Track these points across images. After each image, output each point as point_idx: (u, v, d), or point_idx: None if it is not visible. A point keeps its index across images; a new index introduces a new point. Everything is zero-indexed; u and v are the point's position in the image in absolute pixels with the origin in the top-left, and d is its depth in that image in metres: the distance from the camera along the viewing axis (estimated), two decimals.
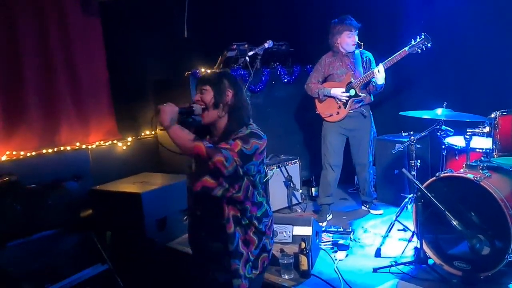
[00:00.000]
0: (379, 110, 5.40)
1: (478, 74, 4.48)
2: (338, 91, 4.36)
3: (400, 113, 3.94)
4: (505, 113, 3.18)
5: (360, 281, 3.22)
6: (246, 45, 4.99)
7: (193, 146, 2.24)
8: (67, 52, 4.52)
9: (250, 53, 4.39)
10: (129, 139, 5.05)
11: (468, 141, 3.49)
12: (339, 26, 4.32)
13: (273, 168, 4.92)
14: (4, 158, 4.13)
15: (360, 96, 4.34)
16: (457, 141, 3.81)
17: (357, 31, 4.33)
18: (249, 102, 4.18)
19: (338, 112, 4.44)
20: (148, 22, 5.15)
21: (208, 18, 5.57)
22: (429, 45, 4.04)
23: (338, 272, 3.36)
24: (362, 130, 4.49)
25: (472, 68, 4.52)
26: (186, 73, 4.81)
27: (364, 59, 4.42)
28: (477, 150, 3.64)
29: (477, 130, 3.48)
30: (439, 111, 3.60)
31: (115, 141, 4.90)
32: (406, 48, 4.09)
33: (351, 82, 4.35)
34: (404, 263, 3.34)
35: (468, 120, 3.51)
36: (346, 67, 4.40)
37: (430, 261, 3.25)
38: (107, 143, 4.82)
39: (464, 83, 4.55)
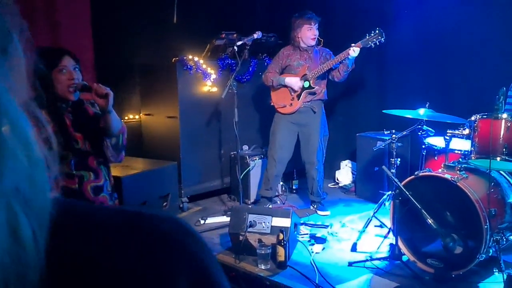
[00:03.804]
0: (362, 107, 5.48)
1: (461, 77, 4.57)
2: (293, 80, 4.35)
3: (383, 111, 3.98)
4: (485, 116, 3.23)
5: (335, 274, 3.27)
6: (235, 35, 4.99)
7: (122, 123, 2.42)
8: (53, 30, 4.46)
9: (239, 43, 4.39)
10: None
11: (447, 142, 3.55)
12: (299, 20, 4.34)
13: (255, 159, 4.95)
14: None
15: (314, 88, 4.35)
16: (437, 141, 3.87)
17: (317, 25, 4.33)
18: (236, 91, 4.26)
19: (291, 104, 4.44)
20: (137, 5, 5.10)
21: (198, 4, 5.55)
22: (382, 39, 4.09)
23: (314, 264, 3.41)
24: (311, 126, 4.46)
25: (455, 70, 4.60)
26: (173, 59, 4.78)
27: (324, 55, 4.43)
28: (456, 151, 3.72)
29: (457, 132, 3.54)
30: (422, 111, 3.65)
31: None
32: (360, 42, 4.14)
33: (306, 74, 4.36)
34: (379, 259, 3.40)
35: (449, 121, 3.57)
36: (303, 60, 4.41)
37: (404, 258, 3.31)
38: None
39: (447, 85, 4.63)
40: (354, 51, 4.12)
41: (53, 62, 2.26)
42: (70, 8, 4.57)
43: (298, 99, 4.39)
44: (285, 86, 4.41)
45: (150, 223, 0.51)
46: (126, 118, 5.22)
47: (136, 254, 0.48)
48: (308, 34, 4.31)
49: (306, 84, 4.34)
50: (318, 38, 4.40)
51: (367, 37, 4.12)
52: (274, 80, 4.42)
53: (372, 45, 4.13)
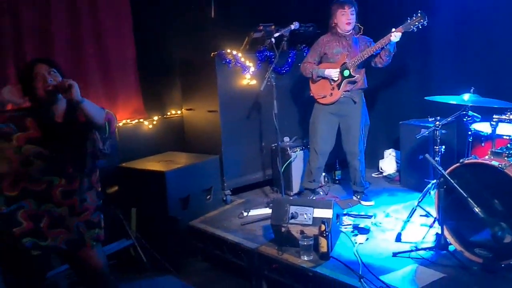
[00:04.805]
0: (405, 94, 5.35)
1: (506, 59, 4.37)
2: (332, 72, 4.28)
3: (426, 98, 3.89)
4: None
5: (379, 264, 3.23)
6: (273, 26, 4.98)
7: (106, 111, 2.45)
8: (96, 30, 4.58)
9: (276, 35, 4.38)
10: (155, 118, 5.12)
11: (494, 128, 3.43)
12: (334, 6, 4.30)
13: (297, 151, 4.94)
14: None
15: (355, 76, 4.27)
16: (484, 127, 3.74)
17: (352, 9, 4.24)
18: (274, 83, 4.25)
19: (331, 94, 4.36)
20: (176, 1, 5.17)
21: None
22: (425, 23, 3.97)
23: (357, 255, 3.37)
24: (351, 116, 4.39)
25: (500, 53, 4.41)
26: (212, 53, 4.83)
27: (363, 43, 4.34)
28: (504, 137, 3.57)
29: (504, 117, 3.41)
30: (466, 96, 3.54)
31: (141, 120, 4.97)
32: (401, 26, 4.04)
33: (345, 62, 4.27)
34: (425, 249, 3.33)
35: (495, 106, 3.44)
36: (342, 47, 4.33)
37: (450, 248, 3.23)
38: (133, 122, 4.90)
39: (492, 68, 4.44)
40: (395, 36, 4.04)
41: (28, 74, 2.39)
42: (112, 8, 4.68)
43: (339, 88, 4.32)
44: (325, 77, 4.36)
45: None
46: (168, 113, 5.33)
47: None
48: (342, 19, 4.25)
49: (346, 73, 4.27)
50: (358, 26, 4.34)
51: (409, 21, 4.02)
52: (314, 73, 4.37)
53: (414, 29, 4.02)
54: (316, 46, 4.47)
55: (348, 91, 4.33)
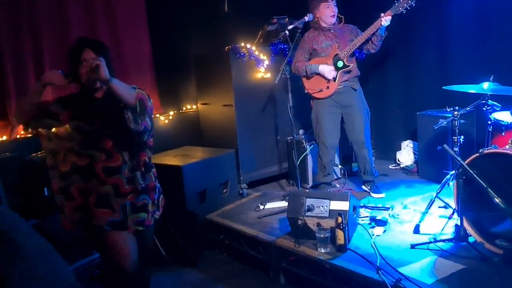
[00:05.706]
0: (422, 84, 5.27)
1: None
2: (326, 68, 4.23)
3: (444, 87, 3.82)
4: None
5: (397, 257, 3.20)
6: (287, 19, 4.96)
7: (136, 90, 2.47)
8: (112, 27, 4.61)
9: (290, 27, 4.34)
10: (171, 113, 5.15)
11: None
12: (314, 0, 4.25)
13: (312, 143, 4.91)
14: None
15: (349, 66, 4.23)
16: (504, 116, 3.67)
17: (334, 2, 4.22)
18: (289, 76, 4.22)
19: (328, 87, 4.30)
20: None
21: None
22: (413, 3, 3.94)
23: (375, 247, 3.34)
24: (354, 105, 4.34)
25: None
26: (226, 47, 4.82)
27: (349, 32, 4.31)
28: None
29: None
30: (486, 85, 3.47)
31: (157, 115, 5.00)
32: (390, 10, 4.02)
33: (337, 54, 4.23)
34: (444, 240, 3.28)
35: None
36: (330, 40, 4.28)
37: (470, 239, 3.18)
38: None
39: None
40: (386, 20, 4.02)
41: (76, 59, 2.46)
42: (127, 4, 4.71)
43: (334, 80, 4.28)
44: (319, 74, 4.31)
45: None
46: (184, 108, 5.34)
47: None
48: (327, 12, 4.21)
49: (340, 64, 4.22)
50: (338, 16, 4.31)
51: (397, 3, 4.00)
52: (308, 69, 4.30)
53: (404, 11, 4.00)
54: (303, 44, 4.39)
55: (346, 80, 4.30)
